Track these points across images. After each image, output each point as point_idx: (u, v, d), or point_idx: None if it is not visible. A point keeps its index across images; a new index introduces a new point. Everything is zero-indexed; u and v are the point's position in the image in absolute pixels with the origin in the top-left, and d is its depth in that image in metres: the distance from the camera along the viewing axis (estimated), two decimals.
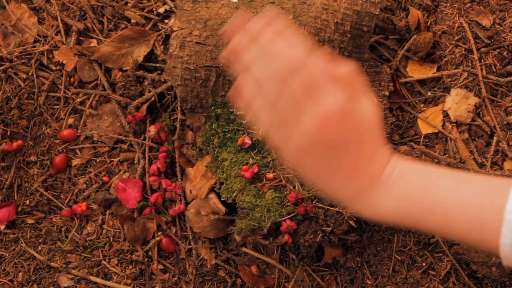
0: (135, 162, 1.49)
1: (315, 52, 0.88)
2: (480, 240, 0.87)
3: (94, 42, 1.52)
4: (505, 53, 1.39)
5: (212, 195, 1.36)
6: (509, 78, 1.36)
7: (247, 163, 1.30)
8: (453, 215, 0.88)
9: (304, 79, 0.88)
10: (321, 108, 0.85)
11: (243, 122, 1.31)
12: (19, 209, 1.49)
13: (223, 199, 1.31)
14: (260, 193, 1.27)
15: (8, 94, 1.50)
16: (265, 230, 1.25)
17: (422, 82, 1.43)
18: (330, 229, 1.25)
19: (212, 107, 1.32)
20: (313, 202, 1.25)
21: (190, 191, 1.38)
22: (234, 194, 1.28)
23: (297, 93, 0.88)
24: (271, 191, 1.26)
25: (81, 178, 1.49)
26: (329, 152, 0.89)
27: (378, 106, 0.98)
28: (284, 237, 1.28)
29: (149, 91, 1.46)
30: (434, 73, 1.41)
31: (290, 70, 0.87)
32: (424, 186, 0.91)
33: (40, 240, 1.48)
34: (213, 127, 1.33)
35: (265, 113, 0.91)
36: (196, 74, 1.29)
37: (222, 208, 1.36)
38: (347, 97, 0.87)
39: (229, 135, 1.31)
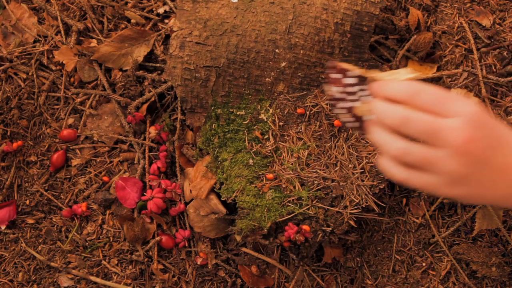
0: (135, 162, 1.49)
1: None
2: None
3: (94, 42, 1.52)
4: (505, 53, 1.39)
5: (213, 196, 1.36)
6: (509, 78, 1.36)
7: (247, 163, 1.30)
8: None
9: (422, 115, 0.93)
10: (456, 122, 0.90)
11: (243, 122, 1.31)
12: (19, 209, 1.49)
13: (223, 199, 1.31)
14: (260, 193, 1.27)
15: (8, 94, 1.50)
16: (265, 230, 1.25)
17: (421, 80, 1.43)
18: (330, 229, 1.25)
19: (212, 107, 1.32)
20: (313, 202, 1.25)
21: (190, 191, 1.38)
22: (234, 194, 1.28)
23: (424, 125, 0.93)
24: (271, 191, 1.26)
25: (81, 178, 1.49)
26: (481, 166, 0.93)
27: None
28: (284, 237, 1.28)
29: (149, 91, 1.46)
30: (434, 73, 1.41)
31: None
32: None
33: (40, 240, 1.48)
34: (213, 127, 1.33)
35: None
36: (196, 74, 1.29)
37: (223, 210, 1.36)
38: (472, 102, 0.92)
39: (229, 135, 1.31)
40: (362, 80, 1.09)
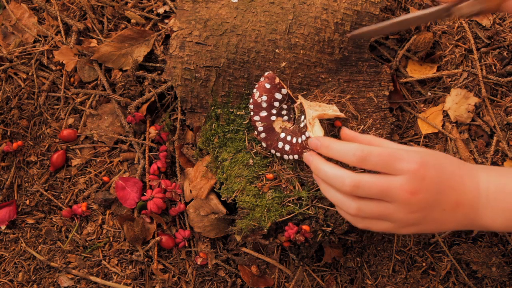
0: (135, 162, 1.49)
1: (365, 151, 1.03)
2: None
3: (94, 42, 1.51)
4: (505, 53, 1.39)
5: (213, 196, 1.36)
6: (509, 78, 1.36)
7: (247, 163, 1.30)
8: None
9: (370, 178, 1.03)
10: (401, 180, 1.00)
11: (243, 122, 1.31)
12: (19, 209, 1.49)
13: (223, 199, 1.31)
14: (260, 193, 1.26)
15: (8, 94, 1.50)
16: (265, 230, 1.25)
17: (422, 82, 1.43)
18: (330, 229, 1.25)
19: (212, 107, 1.32)
20: (313, 202, 1.25)
21: (190, 191, 1.38)
22: (234, 194, 1.28)
23: (374, 187, 1.02)
24: (271, 191, 1.26)
25: (81, 178, 1.49)
26: (429, 209, 1.03)
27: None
28: (284, 237, 1.28)
29: (149, 91, 1.46)
30: (434, 73, 1.41)
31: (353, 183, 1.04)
32: None
33: (40, 240, 1.48)
34: (213, 127, 1.33)
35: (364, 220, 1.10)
36: (196, 74, 1.29)
37: (223, 209, 1.36)
38: (415, 157, 1.02)
39: (229, 135, 1.31)
40: (290, 100, 1.18)
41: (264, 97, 1.21)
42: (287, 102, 1.23)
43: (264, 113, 1.23)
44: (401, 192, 0.99)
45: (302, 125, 1.21)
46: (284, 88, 1.21)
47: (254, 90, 1.22)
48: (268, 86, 1.19)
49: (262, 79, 1.21)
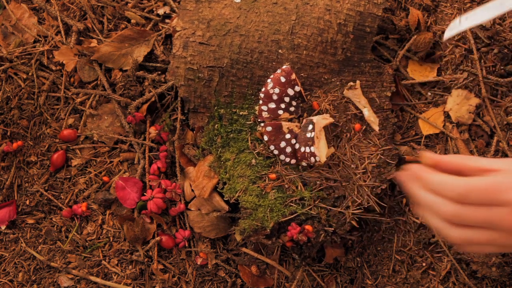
0: (135, 162, 1.48)
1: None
2: None
3: (94, 42, 1.51)
4: (505, 51, 1.39)
5: (215, 194, 1.36)
6: (509, 78, 1.37)
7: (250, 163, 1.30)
8: None
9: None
10: (507, 210, 0.95)
11: (246, 122, 1.31)
12: (19, 209, 1.49)
13: (226, 199, 1.31)
14: (263, 193, 1.27)
15: (8, 94, 1.49)
16: (268, 230, 1.25)
17: (422, 82, 1.43)
18: (333, 229, 1.25)
19: (215, 107, 1.32)
20: (315, 202, 1.25)
21: (192, 190, 1.38)
22: (237, 194, 1.28)
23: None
24: (273, 191, 1.26)
25: (81, 178, 1.49)
26: None
27: None
28: (287, 237, 1.28)
29: (149, 91, 1.46)
30: (435, 77, 1.41)
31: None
32: None
33: (40, 240, 1.48)
34: (216, 127, 1.33)
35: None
36: (199, 74, 1.29)
37: (225, 206, 1.36)
38: None
39: (232, 135, 1.31)
40: (301, 98, 1.18)
41: (277, 90, 1.22)
42: (297, 99, 1.23)
43: (272, 105, 1.24)
44: (508, 222, 0.96)
45: (309, 135, 1.22)
46: (298, 85, 1.21)
47: (269, 80, 1.23)
48: (283, 79, 1.20)
49: (278, 71, 1.22)
